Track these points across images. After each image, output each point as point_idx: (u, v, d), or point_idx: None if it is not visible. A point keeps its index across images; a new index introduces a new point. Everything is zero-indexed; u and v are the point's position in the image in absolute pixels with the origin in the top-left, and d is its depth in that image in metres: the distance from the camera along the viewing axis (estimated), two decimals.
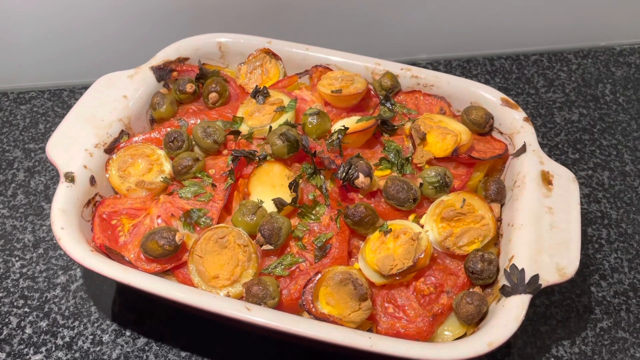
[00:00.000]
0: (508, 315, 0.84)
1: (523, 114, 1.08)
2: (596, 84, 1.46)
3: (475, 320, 0.88)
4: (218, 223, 0.96)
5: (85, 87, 1.12)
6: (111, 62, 1.29)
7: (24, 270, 1.10)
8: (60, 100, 1.41)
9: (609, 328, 1.04)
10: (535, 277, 0.87)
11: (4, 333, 1.02)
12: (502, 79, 1.47)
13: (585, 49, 1.54)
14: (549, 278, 0.87)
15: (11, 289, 1.08)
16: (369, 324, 0.89)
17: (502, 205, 1.01)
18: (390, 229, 0.92)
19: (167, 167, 1.03)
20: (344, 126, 1.02)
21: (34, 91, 1.42)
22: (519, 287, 0.86)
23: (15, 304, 1.06)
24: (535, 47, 1.54)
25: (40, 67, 1.43)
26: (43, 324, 1.04)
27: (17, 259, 1.12)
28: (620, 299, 1.08)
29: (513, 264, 0.89)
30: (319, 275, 0.89)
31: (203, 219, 0.96)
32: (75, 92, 1.42)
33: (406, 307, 0.89)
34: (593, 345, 1.02)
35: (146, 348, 1.01)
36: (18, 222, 1.17)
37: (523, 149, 1.03)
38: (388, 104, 1.12)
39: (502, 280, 0.89)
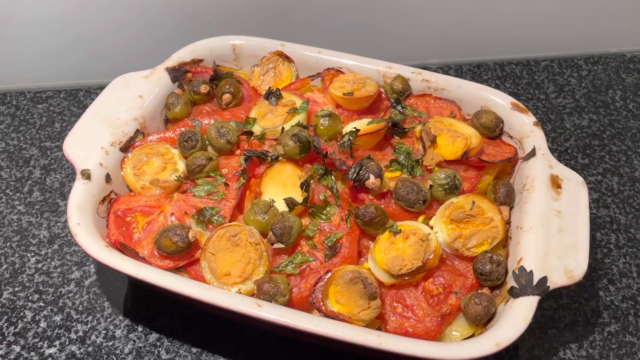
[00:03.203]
0: (516, 316, 0.84)
1: (533, 118, 1.09)
2: (606, 90, 1.46)
3: (483, 321, 0.89)
4: (230, 221, 0.98)
5: (101, 88, 1.14)
6: (127, 63, 1.31)
7: (39, 265, 1.12)
8: (76, 100, 1.43)
9: (616, 332, 1.05)
10: (544, 279, 0.87)
11: (19, 327, 1.04)
12: (513, 84, 1.48)
13: (596, 55, 1.55)
14: (557, 280, 0.88)
15: (26, 284, 1.10)
16: (378, 323, 0.90)
17: (511, 208, 1.02)
18: (400, 229, 0.93)
19: (181, 166, 1.05)
20: (355, 128, 1.03)
21: (50, 91, 1.45)
22: (527, 289, 0.87)
23: (30, 298, 1.08)
24: (546, 53, 1.54)
25: (57, 67, 1.45)
26: (57, 318, 1.05)
27: (32, 254, 1.14)
28: (629, 304, 1.08)
29: (521, 266, 0.89)
30: (329, 274, 0.90)
31: (216, 217, 0.97)
32: (91, 92, 1.44)
33: (415, 307, 0.90)
34: (601, 349, 1.03)
35: (158, 343, 1.02)
36: (34, 218, 1.20)
37: (532, 153, 1.04)
38: (399, 107, 1.13)
39: (511, 282, 0.89)
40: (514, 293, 0.88)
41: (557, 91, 1.46)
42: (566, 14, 1.49)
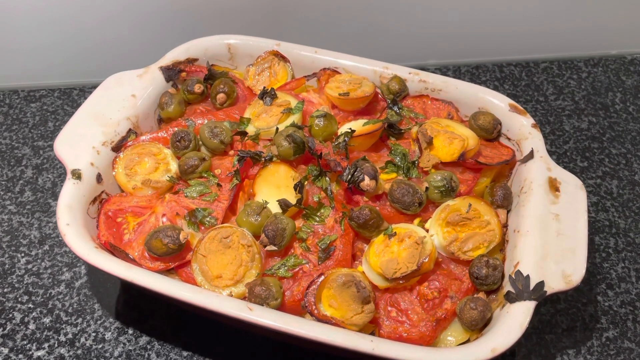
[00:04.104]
0: (512, 322, 0.83)
1: (531, 120, 1.07)
2: (606, 92, 1.45)
3: (479, 326, 0.87)
4: (223, 223, 0.96)
5: (95, 87, 1.13)
6: (121, 62, 1.30)
7: (29, 266, 1.11)
8: (70, 99, 1.42)
9: (615, 338, 1.03)
10: (541, 284, 0.86)
11: (8, 328, 1.03)
12: (511, 85, 1.46)
13: (596, 57, 1.53)
14: (554, 285, 0.86)
15: (16, 285, 1.08)
16: (372, 328, 0.88)
17: (508, 211, 1.01)
18: (395, 232, 0.91)
19: (174, 166, 1.04)
20: (350, 129, 1.02)
21: (44, 89, 1.43)
22: (523, 294, 0.85)
23: (19, 299, 1.06)
24: (545, 55, 1.53)
25: (51, 65, 1.44)
26: (46, 320, 1.04)
27: (22, 255, 1.12)
28: (627, 309, 1.07)
29: (518, 270, 0.88)
30: (322, 277, 0.88)
31: (208, 219, 0.96)
32: (85, 91, 1.43)
33: (409, 312, 0.89)
34: (599, 355, 1.01)
35: (148, 347, 1.01)
36: (25, 218, 1.18)
37: (530, 155, 1.03)
38: (395, 108, 1.11)
39: (507, 287, 0.88)
40: (510, 298, 0.86)
41: (556, 93, 1.45)
42: (566, 15, 1.48)
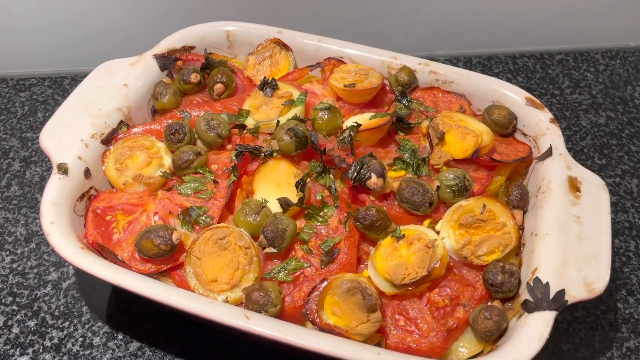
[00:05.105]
0: (530, 334, 0.78)
1: (549, 115, 1.03)
2: (625, 86, 1.40)
3: (493, 337, 0.83)
4: (219, 222, 0.92)
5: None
6: (114, 49, 1.28)
7: (14, 265, 1.06)
8: (61, 88, 1.37)
9: (636, 348, 0.98)
10: (561, 293, 0.81)
11: None
12: (525, 78, 1.42)
13: (614, 49, 1.49)
14: (575, 294, 0.82)
15: None
16: (378, 337, 0.84)
17: (524, 213, 0.96)
18: (404, 234, 0.87)
19: (167, 161, 1.00)
20: (356, 123, 0.98)
21: (34, 78, 1.39)
22: (542, 303, 0.80)
23: (3, 300, 1.02)
24: (561, 46, 1.50)
25: (42, 53, 1.40)
26: (31, 323, 0.99)
27: (7, 253, 1.07)
28: None
29: (537, 277, 0.83)
30: (325, 282, 0.84)
31: (203, 218, 0.91)
32: (77, 80, 1.38)
33: (418, 320, 0.84)
34: None
35: (139, 353, 0.96)
36: (11, 214, 1.13)
37: (549, 153, 0.98)
38: (404, 101, 1.07)
39: (524, 295, 0.83)
40: (528, 307, 0.81)
41: (572, 86, 1.40)
42: (583, 5, 1.45)
